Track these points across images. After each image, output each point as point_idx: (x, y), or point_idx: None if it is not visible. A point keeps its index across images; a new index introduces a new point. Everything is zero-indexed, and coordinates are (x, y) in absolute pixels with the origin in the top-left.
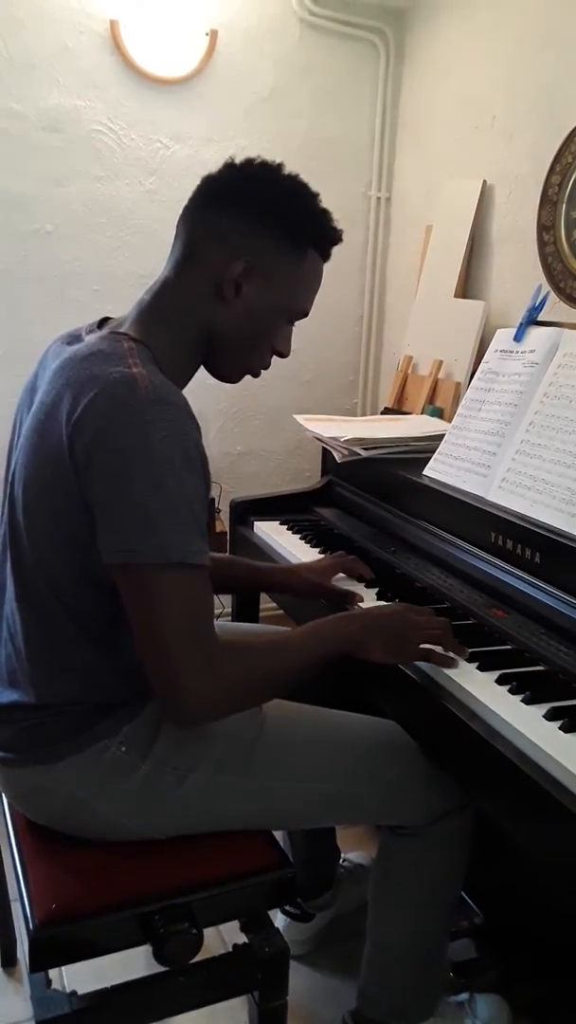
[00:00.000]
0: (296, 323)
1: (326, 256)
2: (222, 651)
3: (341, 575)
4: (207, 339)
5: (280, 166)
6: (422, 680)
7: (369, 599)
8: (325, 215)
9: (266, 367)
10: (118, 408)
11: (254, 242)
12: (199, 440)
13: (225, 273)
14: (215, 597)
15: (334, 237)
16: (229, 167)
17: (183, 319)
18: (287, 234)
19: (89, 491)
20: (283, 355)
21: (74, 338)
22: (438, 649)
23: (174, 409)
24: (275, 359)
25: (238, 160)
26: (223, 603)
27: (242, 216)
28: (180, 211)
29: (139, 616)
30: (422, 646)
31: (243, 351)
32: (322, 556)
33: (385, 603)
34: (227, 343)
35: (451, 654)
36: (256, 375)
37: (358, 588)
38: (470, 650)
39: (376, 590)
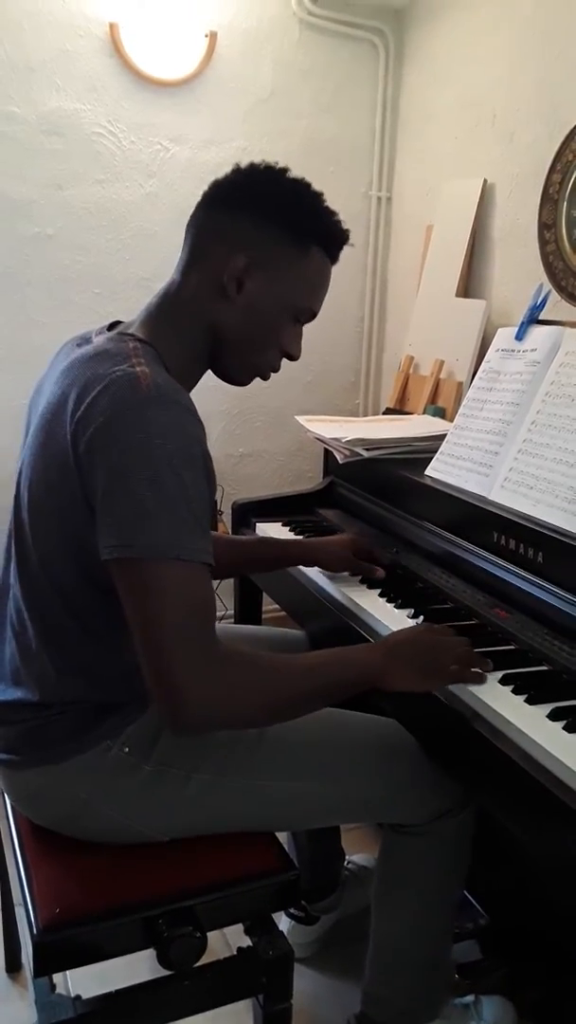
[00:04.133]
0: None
1: (334, 257)
2: (223, 655)
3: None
4: (212, 339)
5: (285, 169)
6: None
7: (371, 600)
8: (330, 214)
9: (275, 369)
10: (119, 405)
11: (254, 237)
12: (202, 440)
13: (226, 269)
14: (216, 598)
15: (340, 236)
16: (236, 171)
17: (188, 320)
18: (289, 229)
19: (89, 488)
20: (292, 357)
21: (84, 340)
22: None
23: (176, 407)
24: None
25: (244, 164)
26: (225, 605)
27: (244, 213)
28: (180, 213)
29: (135, 614)
30: (452, 667)
31: (249, 350)
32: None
33: (402, 628)
34: (232, 342)
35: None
36: (265, 377)
37: (362, 589)
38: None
39: (378, 591)
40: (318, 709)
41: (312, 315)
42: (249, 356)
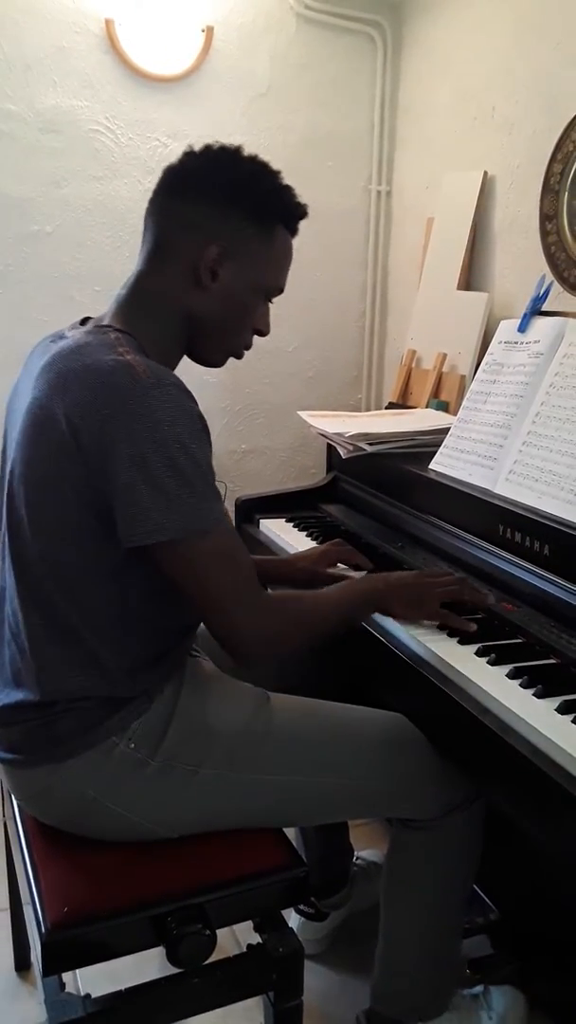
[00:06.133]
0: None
1: (294, 231)
2: (268, 597)
3: (341, 566)
4: (188, 327)
5: (239, 148)
6: (432, 675)
7: None
8: (288, 191)
9: (248, 347)
10: (122, 396)
11: (223, 225)
12: (199, 411)
13: (200, 260)
14: None
15: (300, 211)
16: (189, 155)
17: (163, 309)
18: (254, 213)
19: (106, 481)
20: (263, 333)
21: (58, 337)
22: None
23: (174, 389)
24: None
25: (197, 148)
26: None
27: (208, 201)
28: None
29: (186, 587)
30: (440, 609)
31: (225, 334)
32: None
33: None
34: (209, 328)
35: (468, 626)
36: (239, 356)
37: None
38: (480, 644)
39: None
40: (339, 633)
41: (280, 291)
42: (226, 339)
